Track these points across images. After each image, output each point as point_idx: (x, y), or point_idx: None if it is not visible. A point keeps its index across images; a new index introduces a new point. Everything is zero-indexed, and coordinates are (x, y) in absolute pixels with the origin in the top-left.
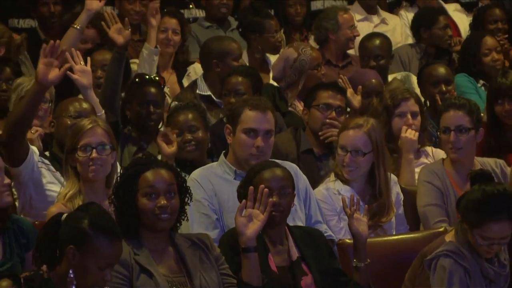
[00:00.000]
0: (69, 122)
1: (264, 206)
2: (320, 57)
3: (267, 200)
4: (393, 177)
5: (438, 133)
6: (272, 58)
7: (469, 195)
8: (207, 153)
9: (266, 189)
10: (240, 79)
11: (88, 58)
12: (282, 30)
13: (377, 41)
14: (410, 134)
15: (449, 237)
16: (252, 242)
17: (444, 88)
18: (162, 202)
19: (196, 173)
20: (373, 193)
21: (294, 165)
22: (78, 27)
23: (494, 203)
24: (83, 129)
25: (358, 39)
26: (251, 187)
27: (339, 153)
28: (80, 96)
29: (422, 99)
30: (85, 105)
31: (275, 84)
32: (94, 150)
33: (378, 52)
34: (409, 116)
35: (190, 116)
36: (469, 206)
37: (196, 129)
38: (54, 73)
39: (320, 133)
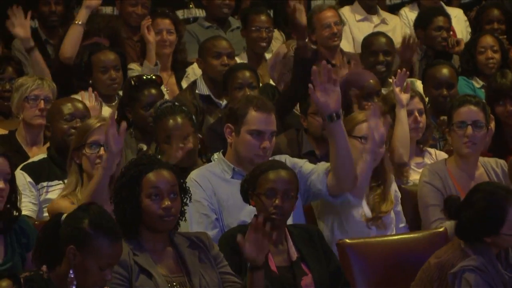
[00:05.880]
0: (65, 127)
1: None
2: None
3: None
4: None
5: (447, 130)
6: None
7: None
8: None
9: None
10: (248, 73)
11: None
12: (272, 29)
13: (383, 39)
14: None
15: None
16: (262, 262)
17: (445, 92)
18: (166, 203)
19: (195, 173)
20: (374, 184)
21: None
22: (79, 22)
23: None
24: (92, 127)
25: (358, 39)
26: None
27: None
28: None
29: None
30: (79, 105)
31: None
32: (102, 148)
33: (385, 48)
34: (416, 113)
35: (179, 121)
36: None
37: (186, 136)
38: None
39: None
